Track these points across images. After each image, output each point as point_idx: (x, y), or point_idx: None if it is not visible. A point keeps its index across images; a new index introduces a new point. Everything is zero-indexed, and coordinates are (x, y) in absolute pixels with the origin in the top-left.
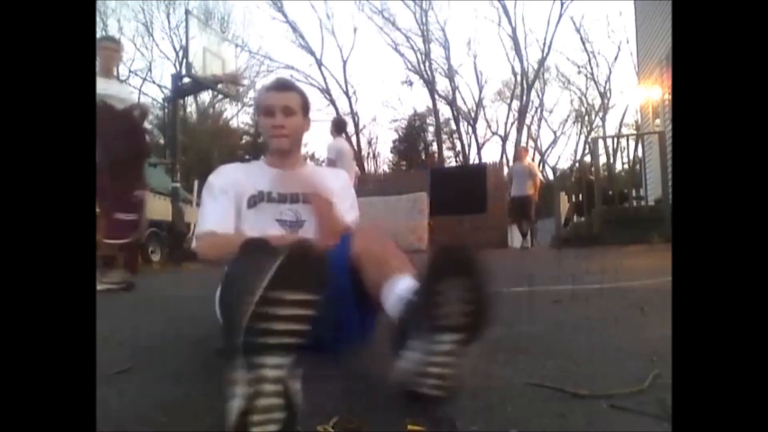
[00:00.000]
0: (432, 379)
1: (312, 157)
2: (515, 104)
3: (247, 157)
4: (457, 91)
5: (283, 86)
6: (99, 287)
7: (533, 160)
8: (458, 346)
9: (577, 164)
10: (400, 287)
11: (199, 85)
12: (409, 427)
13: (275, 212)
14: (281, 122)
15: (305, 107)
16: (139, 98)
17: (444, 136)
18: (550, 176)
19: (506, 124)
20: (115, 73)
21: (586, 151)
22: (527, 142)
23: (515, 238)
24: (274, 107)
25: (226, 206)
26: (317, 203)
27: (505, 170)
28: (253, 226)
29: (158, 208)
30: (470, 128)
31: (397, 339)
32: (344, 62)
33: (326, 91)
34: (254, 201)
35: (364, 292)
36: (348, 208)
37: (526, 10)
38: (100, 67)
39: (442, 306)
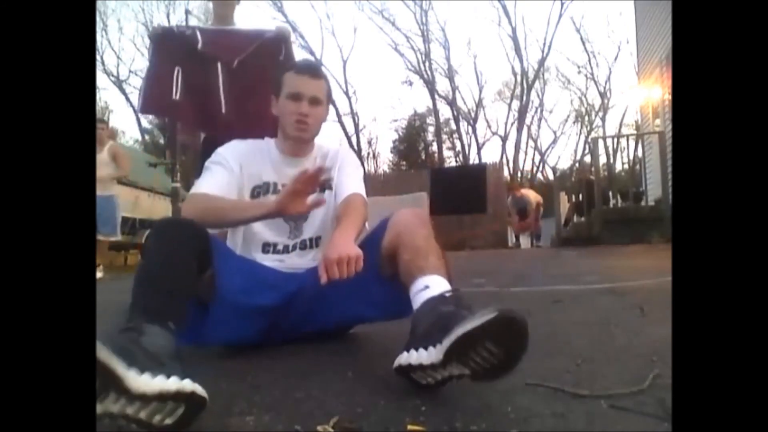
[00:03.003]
0: (430, 379)
1: None
2: (515, 104)
3: None
4: (457, 91)
5: (315, 73)
6: None
7: (533, 160)
8: (467, 377)
9: (577, 164)
10: (434, 289)
11: None
12: (409, 427)
13: None
14: (307, 111)
15: (329, 96)
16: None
17: (444, 136)
18: (551, 176)
19: (506, 124)
20: (233, 20)
21: (586, 151)
22: (527, 142)
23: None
24: (302, 94)
25: (227, 178)
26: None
27: (505, 170)
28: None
29: (158, 208)
30: (470, 128)
31: (416, 333)
32: (344, 62)
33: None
34: (258, 192)
35: (392, 273)
36: (351, 183)
37: (526, 10)
38: (216, 15)
39: (472, 352)
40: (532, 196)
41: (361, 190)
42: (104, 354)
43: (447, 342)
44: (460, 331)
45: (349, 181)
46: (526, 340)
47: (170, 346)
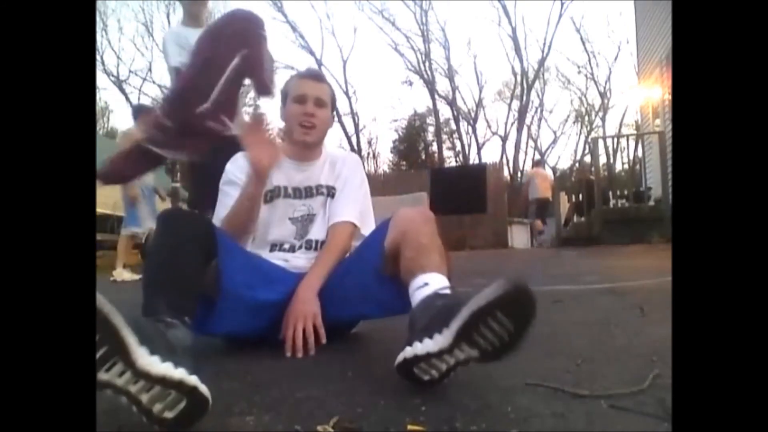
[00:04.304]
0: (434, 371)
1: None
2: (515, 104)
3: None
4: (457, 91)
5: (317, 76)
6: None
7: (533, 160)
8: (473, 361)
9: (577, 164)
10: (432, 286)
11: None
12: (409, 427)
13: (289, 210)
14: (312, 111)
15: (333, 102)
16: None
17: (444, 136)
18: (551, 176)
19: (506, 124)
20: (203, 20)
21: (586, 151)
22: (527, 142)
23: (515, 238)
24: (306, 96)
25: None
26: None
27: (505, 170)
28: (266, 221)
29: (158, 208)
30: (470, 128)
31: (415, 328)
32: (344, 62)
33: None
34: (270, 196)
35: (394, 271)
36: (346, 206)
37: (526, 10)
38: (186, 14)
39: (483, 328)
40: (530, 172)
41: (352, 216)
42: (119, 323)
43: (457, 323)
44: (472, 307)
45: (345, 203)
46: (534, 309)
47: (188, 342)
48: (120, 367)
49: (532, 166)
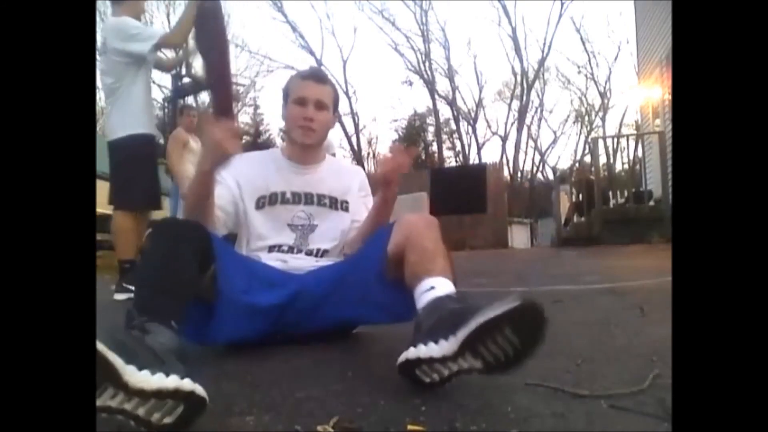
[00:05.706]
0: (435, 375)
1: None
2: (515, 104)
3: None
4: (457, 91)
5: (320, 78)
6: None
7: (533, 160)
8: (476, 371)
9: (577, 164)
10: (439, 290)
11: (199, 85)
12: (409, 427)
13: (288, 216)
14: (312, 115)
15: (336, 103)
16: None
17: (444, 136)
18: (551, 176)
19: (506, 124)
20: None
21: (586, 151)
22: (527, 142)
23: (515, 238)
24: (307, 98)
25: (222, 191)
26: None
27: (505, 170)
28: (263, 229)
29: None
30: (470, 128)
31: (422, 329)
32: (344, 62)
33: None
34: (263, 202)
35: (396, 276)
36: (362, 212)
37: (526, 10)
38: (125, 11)
39: (489, 342)
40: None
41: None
42: (102, 348)
43: (464, 332)
44: (480, 319)
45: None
46: (544, 331)
47: (173, 345)
48: (112, 390)
49: (560, 182)
